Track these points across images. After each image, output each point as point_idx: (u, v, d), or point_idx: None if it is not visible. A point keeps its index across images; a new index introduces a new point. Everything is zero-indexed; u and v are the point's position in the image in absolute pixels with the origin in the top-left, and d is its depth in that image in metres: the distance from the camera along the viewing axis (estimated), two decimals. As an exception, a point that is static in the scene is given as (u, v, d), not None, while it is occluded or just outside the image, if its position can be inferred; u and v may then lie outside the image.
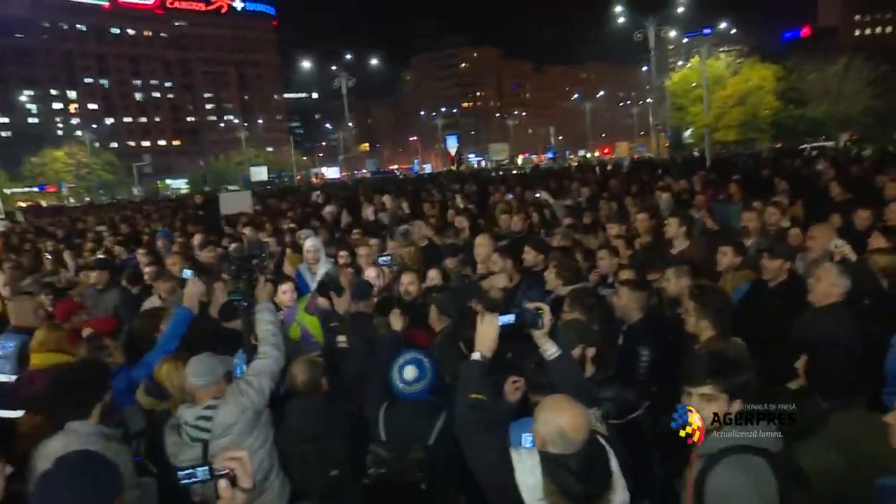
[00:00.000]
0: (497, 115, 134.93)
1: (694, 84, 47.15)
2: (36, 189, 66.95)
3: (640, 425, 3.34)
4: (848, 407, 2.68)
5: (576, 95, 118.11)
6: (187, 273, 4.63)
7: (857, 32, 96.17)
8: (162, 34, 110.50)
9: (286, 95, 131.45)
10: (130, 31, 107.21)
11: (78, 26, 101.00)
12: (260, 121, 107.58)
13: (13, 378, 4.11)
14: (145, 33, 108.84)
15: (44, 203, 56.76)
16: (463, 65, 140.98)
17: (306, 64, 59.49)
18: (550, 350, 2.88)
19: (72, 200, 62.98)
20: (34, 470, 2.69)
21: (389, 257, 4.83)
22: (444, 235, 7.83)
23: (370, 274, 5.26)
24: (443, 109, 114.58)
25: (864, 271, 4.23)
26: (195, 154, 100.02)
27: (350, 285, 4.64)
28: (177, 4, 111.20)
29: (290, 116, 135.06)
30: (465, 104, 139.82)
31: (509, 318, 2.84)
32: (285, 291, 5.25)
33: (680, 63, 76.72)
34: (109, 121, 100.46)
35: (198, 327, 4.27)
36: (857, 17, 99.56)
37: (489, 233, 6.83)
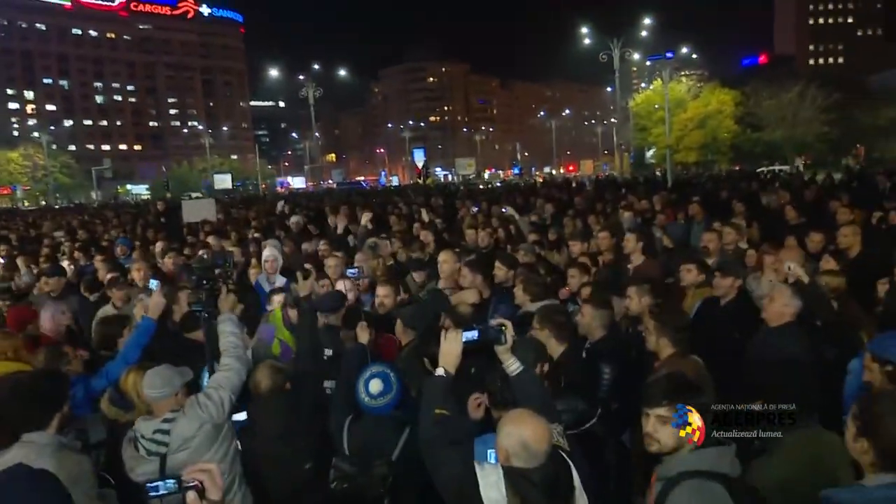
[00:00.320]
0: (464, 129, 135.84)
1: (656, 106, 48.35)
2: (-12, 190, 64.83)
3: (600, 441, 3.39)
4: (803, 425, 2.76)
5: (542, 113, 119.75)
6: (153, 284, 4.55)
7: (812, 61, 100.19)
8: (126, 36, 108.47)
9: (252, 103, 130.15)
10: (93, 33, 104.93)
11: (38, 25, 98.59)
12: (225, 128, 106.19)
13: None
14: (108, 35, 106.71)
15: (-4, 205, 54.92)
16: (431, 79, 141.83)
17: (274, 72, 58.95)
18: (513, 366, 2.91)
19: (26, 203, 61.04)
20: None
21: (357, 270, 4.81)
22: (410, 249, 7.83)
23: (343, 287, 5.22)
24: (410, 122, 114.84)
25: (816, 293, 4.38)
26: (157, 159, 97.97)
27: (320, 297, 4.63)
28: (141, 7, 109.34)
29: (256, 124, 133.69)
30: (433, 118, 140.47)
31: (472, 335, 2.87)
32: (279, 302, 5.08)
33: (643, 85, 78.68)
34: (69, 123, 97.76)
35: (160, 338, 4.20)
36: (811, 47, 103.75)
37: (455, 247, 6.86)
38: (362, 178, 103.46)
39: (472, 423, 3.22)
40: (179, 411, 3.19)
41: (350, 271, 4.87)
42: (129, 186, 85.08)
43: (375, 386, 3.17)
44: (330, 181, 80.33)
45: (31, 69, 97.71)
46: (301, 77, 42.93)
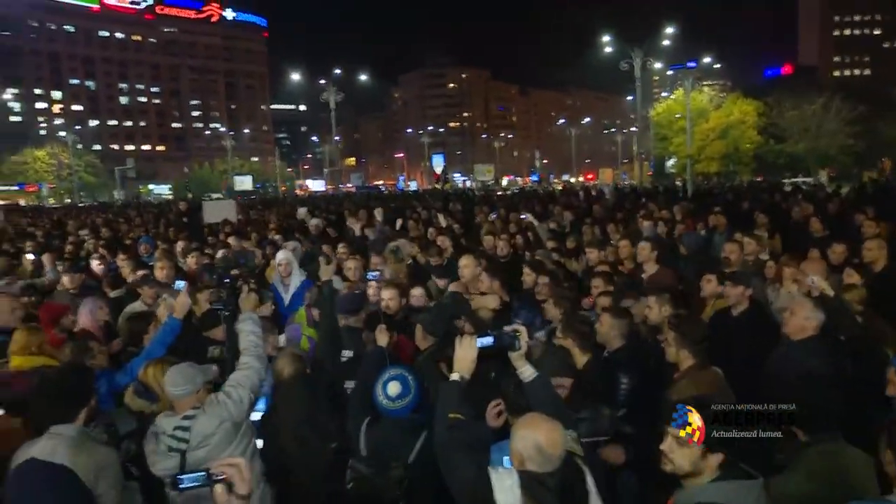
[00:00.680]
0: (483, 135, 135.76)
1: (677, 115, 48.04)
2: (15, 188, 65.92)
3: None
4: (826, 440, 2.71)
5: (561, 120, 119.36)
6: (180, 284, 4.63)
7: (837, 73, 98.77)
8: (151, 39, 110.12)
9: (273, 106, 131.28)
10: (119, 35, 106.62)
11: (66, 27, 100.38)
12: (246, 130, 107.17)
13: None
14: (134, 37, 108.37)
15: (23, 202, 55.86)
16: (451, 85, 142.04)
17: (295, 76, 59.42)
18: (527, 372, 2.92)
19: (51, 201, 62.09)
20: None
21: (378, 273, 4.83)
22: (428, 254, 7.83)
23: (368, 290, 5.25)
24: (430, 128, 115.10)
25: (839, 307, 4.32)
26: (179, 160, 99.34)
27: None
28: (167, 11, 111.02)
29: (277, 127, 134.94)
30: (452, 124, 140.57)
31: (488, 340, 2.89)
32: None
33: (664, 94, 78.08)
34: (94, 123, 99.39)
35: (183, 337, 4.26)
36: (836, 58, 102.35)
37: (474, 252, 6.85)
38: (381, 182, 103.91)
39: (488, 429, 3.23)
40: (200, 408, 3.22)
41: (371, 274, 4.89)
42: (151, 186, 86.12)
43: (394, 388, 3.19)
44: (349, 185, 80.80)
45: (58, 70, 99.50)
46: (322, 81, 43.12)
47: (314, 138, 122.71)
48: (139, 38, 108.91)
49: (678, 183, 38.09)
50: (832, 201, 12.88)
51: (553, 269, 6.16)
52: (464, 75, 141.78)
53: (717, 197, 19.89)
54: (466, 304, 4.82)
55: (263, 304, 4.95)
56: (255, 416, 3.72)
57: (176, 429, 3.16)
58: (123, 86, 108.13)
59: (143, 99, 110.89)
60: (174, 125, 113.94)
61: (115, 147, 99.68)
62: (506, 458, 2.55)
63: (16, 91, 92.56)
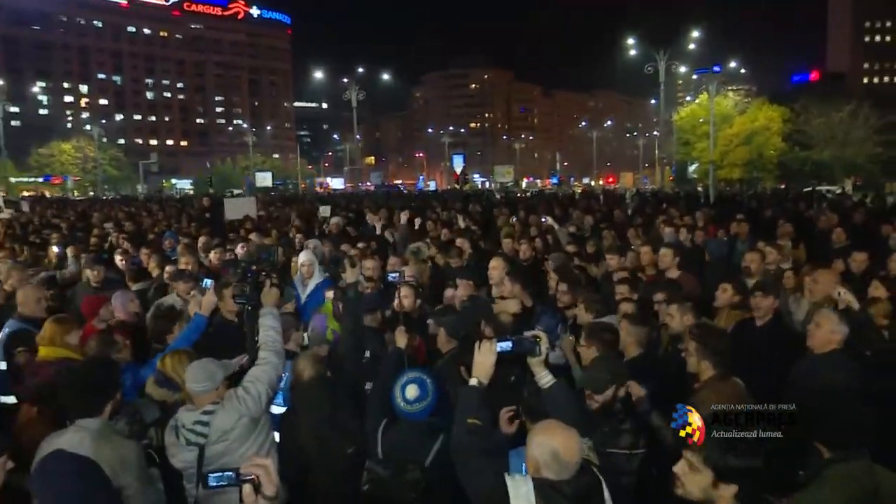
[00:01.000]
0: (504, 137, 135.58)
1: (701, 120, 47.49)
2: (41, 180, 67.05)
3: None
4: (852, 458, 2.65)
5: (583, 123, 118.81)
6: (207, 282, 4.71)
7: (866, 80, 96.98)
8: (177, 35, 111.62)
9: (296, 104, 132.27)
10: (146, 31, 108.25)
11: (95, 22, 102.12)
12: (268, 127, 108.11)
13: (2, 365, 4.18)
14: (161, 33, 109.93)
15: (48, 194, 56.80)
16: (473, 85, 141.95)
17: (318, 74, 59.84)
18: (545, 378, 2.91)
19: (76, 193, 63.03)
20: None
21: (398, 273, 4.83)
22: (448, 255, 7.83)
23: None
24: (450, 128, 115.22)
25: (865, 321, 4.24)
26: (202, 156, 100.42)
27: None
28: (194, 7, 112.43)
29: (299, 125, 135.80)
30: (473, 124, 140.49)
31: (507, 345, 2.87)
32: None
33: (688, 98, 77.41)
34: (119, 117, 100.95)
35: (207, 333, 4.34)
36: (866, 65, 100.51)
37: (491, 254, 6.83)
38: (400, 181, 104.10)
39: (506, 435, 3.22)
40: (219, 404, 3.26)
41: (391, 275, 4.89)
42: (173, 181, 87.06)
43: (412, 391, 3.18)
44: (368, 183, 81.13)
45: (86, 64, 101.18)
46: (344, 80, 43.42)
47: (335, 136, 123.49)
48: (166, 33, 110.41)
49: (700, 189, 37.72)
50: (857, 211, 12.66)
51: (577, 276, 6.12)
52: (486, 76, 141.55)
53: (740, 204, 19.64)
54: (488, 307, 4.80)
55: (286, 301, 5.00)
56: (276, 409, 3.74)
57: (195, 423, 3.20)
58: (149, 81, 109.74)
59: (168, 94, 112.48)
60: (198, 121, 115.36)
61: (139, 141, 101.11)
62: (524, 464, 2.54)
63: (44, 84, 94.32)
